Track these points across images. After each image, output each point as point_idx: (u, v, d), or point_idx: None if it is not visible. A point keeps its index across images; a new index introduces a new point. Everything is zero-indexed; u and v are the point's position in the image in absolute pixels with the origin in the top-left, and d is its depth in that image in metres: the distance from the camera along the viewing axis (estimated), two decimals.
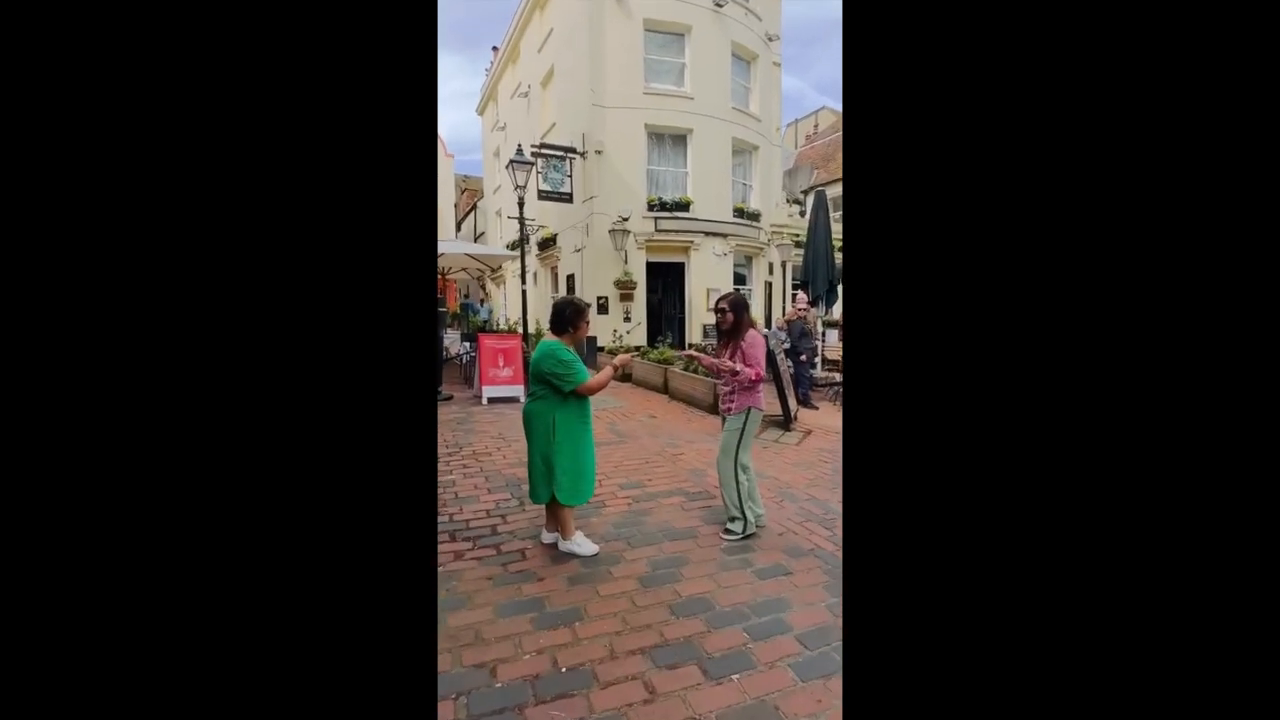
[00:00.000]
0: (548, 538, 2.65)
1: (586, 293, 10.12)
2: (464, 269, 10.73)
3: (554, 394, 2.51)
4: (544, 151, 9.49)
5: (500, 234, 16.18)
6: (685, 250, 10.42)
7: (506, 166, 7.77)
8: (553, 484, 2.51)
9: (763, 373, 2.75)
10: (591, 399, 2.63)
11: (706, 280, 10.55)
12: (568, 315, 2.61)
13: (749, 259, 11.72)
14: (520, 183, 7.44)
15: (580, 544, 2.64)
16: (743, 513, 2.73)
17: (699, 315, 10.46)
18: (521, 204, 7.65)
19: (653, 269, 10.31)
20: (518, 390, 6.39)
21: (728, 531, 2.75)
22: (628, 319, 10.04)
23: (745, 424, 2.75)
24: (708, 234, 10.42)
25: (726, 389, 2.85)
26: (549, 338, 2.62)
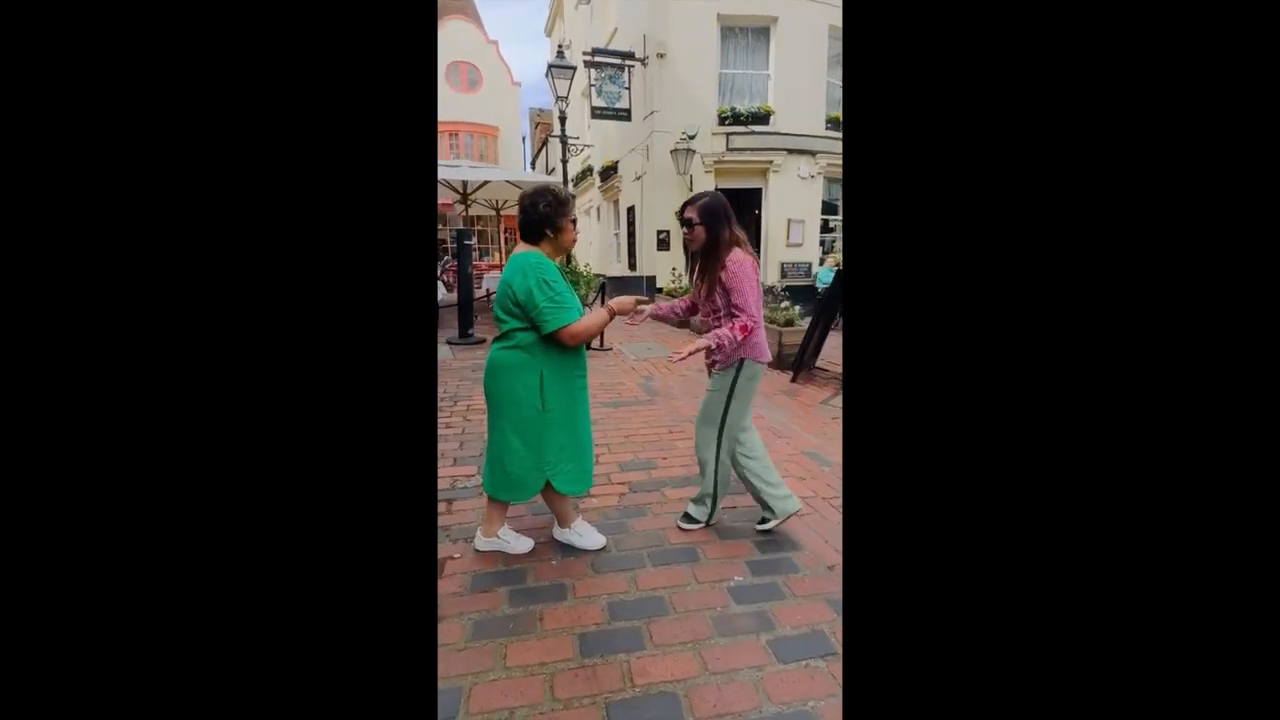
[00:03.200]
0: (483, 544, 1.89)
1: (645, 226, 9.01)
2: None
3: (537, 337, 1.64)
4: (598, 60, 8.19)
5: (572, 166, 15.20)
6: (763, 173, 8.81)
7: (546, 75, 6.71)
8: (546, 469, 1.71)
9: (754, 322, 1.80)
10: (602, 345, 1.74)
11: (788, 209, 8.94)
12: (541, 211, 1.64)
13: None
14: (561, 93, 6.39)
15: (583, 532, 1.90)
16: (714, 498, 1.99)
17: (777, 251, 8.97)
18: (563, 119, 6.63)
19: None
20: None
21: (687, 519, 2.04)
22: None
23: (735, 382, 1.88)
24: (791, 151, 8.68)
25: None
26: (521, 248, 1.69)
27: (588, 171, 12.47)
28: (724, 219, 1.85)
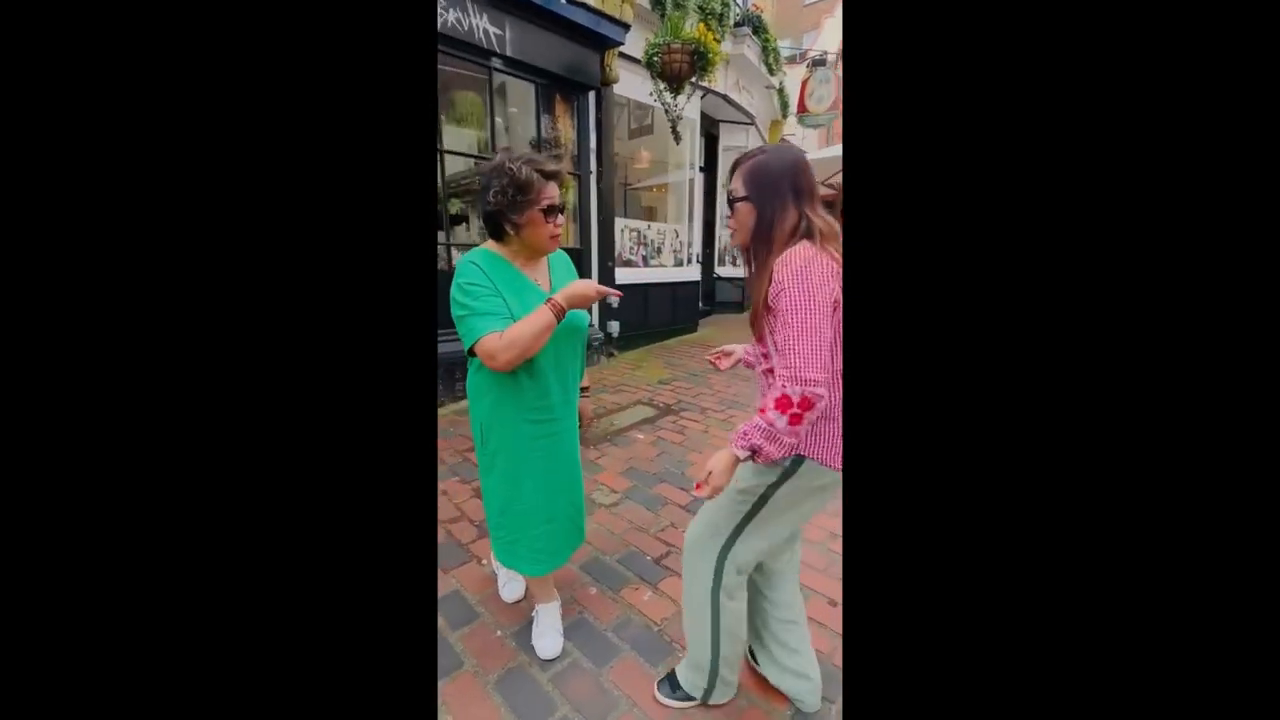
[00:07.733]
0: (494, 563, 1.72)
1: None
2: None
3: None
4: None
5: None
6: None
7: None
8: (490, 525, 1.39)
9: (811, 386, 0.85)
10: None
11: None
12: (491, 203, 1.13)
13: None
14: None
15: (540, 623, 1.42)
16: (713, 665, 1.17)
17: None
18: None
19: None
20: None
21: (669, 687, 1.25)
22: None
23: (777, 486, 1.02)
24: None
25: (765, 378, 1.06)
26: (483, 245, 1.31)
27: None
28: (784, 191, 0.95)
